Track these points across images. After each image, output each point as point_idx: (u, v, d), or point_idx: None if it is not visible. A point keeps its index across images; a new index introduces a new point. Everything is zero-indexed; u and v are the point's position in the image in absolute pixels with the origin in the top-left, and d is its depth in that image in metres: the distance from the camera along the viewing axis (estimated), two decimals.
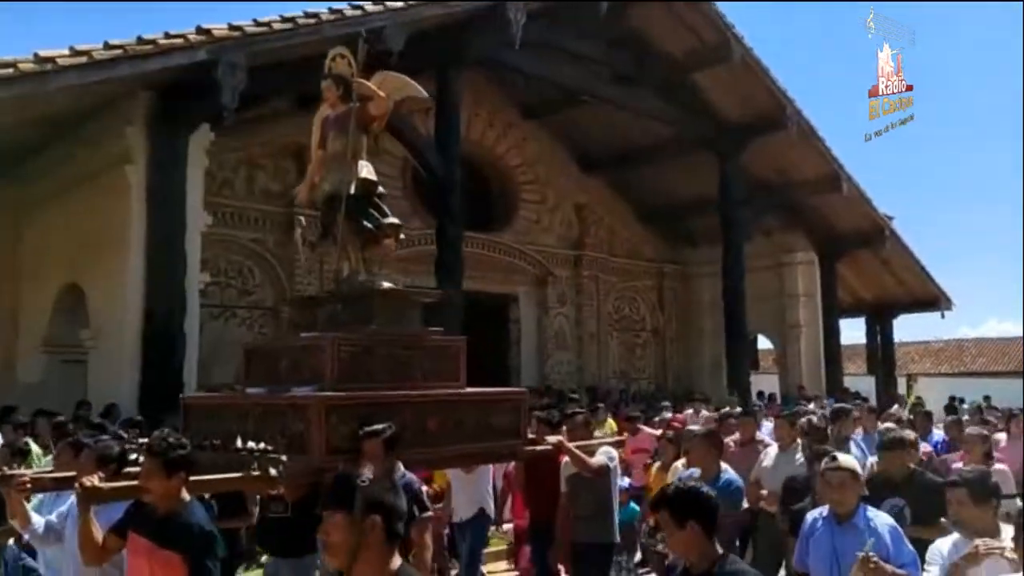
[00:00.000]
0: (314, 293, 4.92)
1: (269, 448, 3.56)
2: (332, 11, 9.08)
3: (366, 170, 4.63)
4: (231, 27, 8.50)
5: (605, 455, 5.24)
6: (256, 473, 3.50)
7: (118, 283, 9.36)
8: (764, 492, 5.82)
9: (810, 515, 3.86)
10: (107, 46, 7.80)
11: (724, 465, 5.13)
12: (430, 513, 4.15)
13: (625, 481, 6.98)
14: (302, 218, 5.01)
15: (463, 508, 6.11)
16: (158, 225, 9.11)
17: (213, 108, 8.67)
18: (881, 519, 3.66)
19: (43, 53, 7.46)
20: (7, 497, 3.61)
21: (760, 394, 15.41)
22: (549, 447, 4.97)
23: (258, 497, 4.73)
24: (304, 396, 4.00)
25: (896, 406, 12.28)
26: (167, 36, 8.19)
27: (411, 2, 9.78)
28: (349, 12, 9.12)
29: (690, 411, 10.79)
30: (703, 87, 14.76)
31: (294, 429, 3.90)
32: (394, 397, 4.17)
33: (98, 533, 3.34)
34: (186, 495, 3.25)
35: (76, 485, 3.26)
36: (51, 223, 10.86)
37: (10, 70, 7.33)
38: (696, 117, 15.07)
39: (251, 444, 3.63)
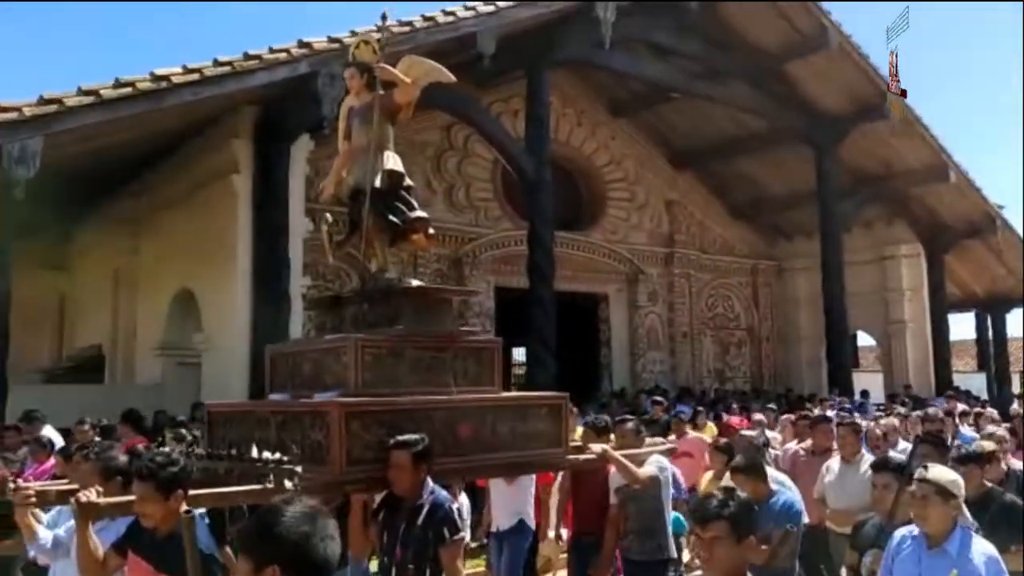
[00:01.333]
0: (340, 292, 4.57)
1: (284, 459, 3.34)
2: (425, 18, 9.27)
3: (392, 161, 4.30)
4: (330, 39, 8.78)
5: (655, 465, 4.89)
6: (270, 486, 3.27)
7: (227, 288, 9.81)
8: (828, 511, 5.50)
9: (899, 532, 3.51)
10: (216, 63, 8.18)
11: (778, 478, 4.79)
12: (462, 535, 3.82)
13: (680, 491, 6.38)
14: (328, 215, 4.78)
15: (502, 518, 5.79)
16: (263, 232, 9.51)
17: (313, 118, 8.97)
18: (980, 548, 3.24)
19: (159, 72, 7.88)
20: (15, 509, 3.46)
21: (864, 392, 14.86)
22: (593, 456, 4.57)
23: None
24: (322, 402, 3.72)
25: (1016, 405, 11.66)
26: (271, 51, 8.53)
27: (502, 5, 9.89)
28: (442, 19, 9.30)
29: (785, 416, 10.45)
30: (797, 77, 14.36)
31: (313, 438, 3.63)
32: (421, 403, 3.83)
33: (98, 550, 3.19)
34: None
35: (71, 499, 3.09)
36: (165, 232, 11.46)
37: (129, 89, 7.78)
38: (791, 108, 14.67)
39: (266, 454, 3.42)
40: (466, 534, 5.42)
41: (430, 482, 3.61)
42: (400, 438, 3.54)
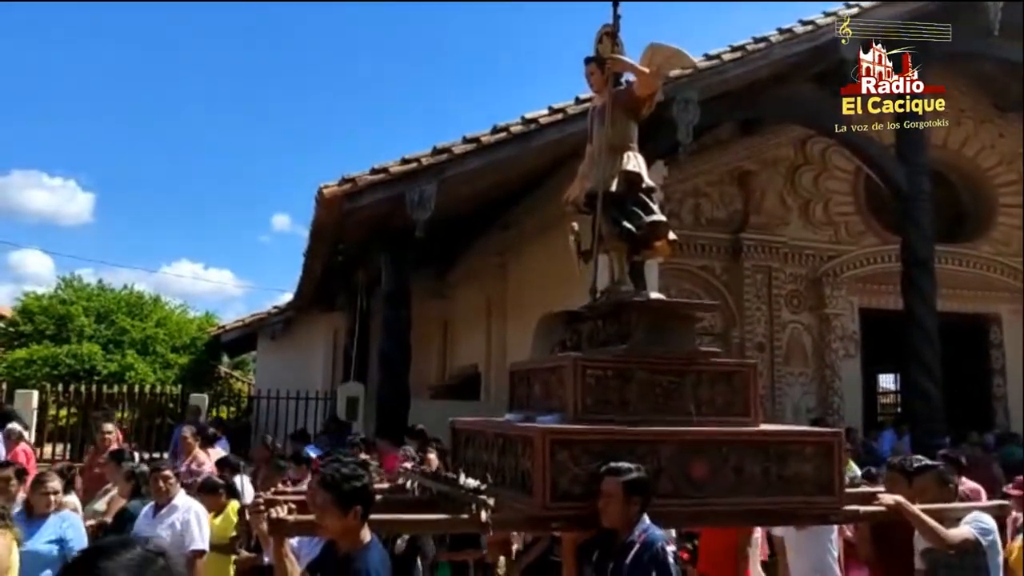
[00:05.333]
0: (578, 308, 4.13)
1: (481, 488, 3.15)
2: (781, 31, 8.95)
3: (632, 162, 3.87)
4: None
5: (975, 524, 3.92)
6: (465, 517, 3.07)
7: None
8: None
9: None
10: (578, 101, 8.71)
11: None
12: None
13: None
14: (575, 224, 4.28)
15: (798, 572, 4.95)
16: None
17: (666, 144, 9.11)
18: None
19: (528, 115, 8.61)
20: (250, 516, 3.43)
21: None
22: (880, 509, 3.72)
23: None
24: (528, 427, 3.42)
25: None
26: None
27: (866, 5, 9.17)
28: (800, 29, 8.89)
29: None
30: None
31: (523, 466, 3.33)
32: (645, 433, 3.35)
33: (293, 567, 3.10)
34: (366, 534, 2.85)
35: (264, 514, 3.02)
36: (529, 260, 12.42)
37: (504, 134, 8.60)
38: None
39: (470, 482, 3.21)
40: None
41: (646, 519, 3.23)
42: (612, 464, 3.21)
